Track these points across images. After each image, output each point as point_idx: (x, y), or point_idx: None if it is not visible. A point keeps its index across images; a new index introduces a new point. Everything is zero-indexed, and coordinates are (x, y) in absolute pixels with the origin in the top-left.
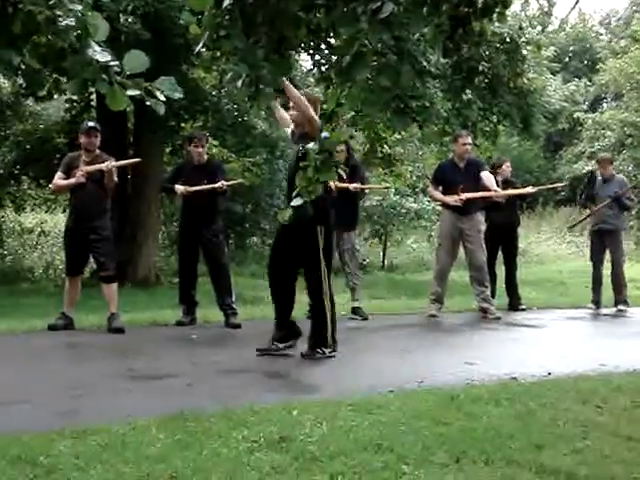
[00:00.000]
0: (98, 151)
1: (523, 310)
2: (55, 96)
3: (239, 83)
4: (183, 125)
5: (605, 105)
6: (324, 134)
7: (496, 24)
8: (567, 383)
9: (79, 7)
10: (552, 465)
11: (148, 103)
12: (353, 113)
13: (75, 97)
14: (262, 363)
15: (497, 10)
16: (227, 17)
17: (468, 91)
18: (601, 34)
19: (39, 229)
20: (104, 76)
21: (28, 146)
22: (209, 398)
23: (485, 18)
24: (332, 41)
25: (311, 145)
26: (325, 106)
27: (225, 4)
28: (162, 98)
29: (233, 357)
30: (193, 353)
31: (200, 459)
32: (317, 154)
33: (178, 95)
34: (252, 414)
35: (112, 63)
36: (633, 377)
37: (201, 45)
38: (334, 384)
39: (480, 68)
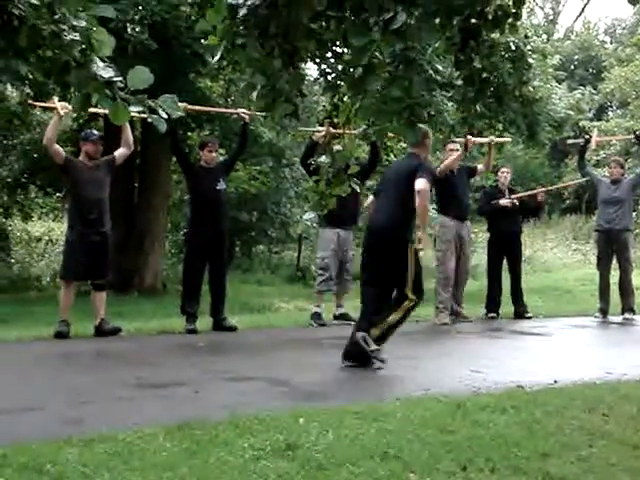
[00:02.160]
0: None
1: (529, 318)
2: None
3: (254, 94)
4: (190, 134)
5: (610, 113)
6: (336, 147)
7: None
8: (573, 391)
9: (83, 23)
10: (558, 473)
11: (150, 120)
12: (365, 126)
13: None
14: (268, 371)
15: (509, 22)
16: (242, 27)
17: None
18: (606, 42)
19: (46, 237)
20: (107, 91)
21: (35, 155)
22: (215, 406)
23: (496, 29)
24: (338, 50)
25: (323, 159)
26: (336, 119)
27: (240, 14)
28: (164, 115)
29: (239, 365)
30: (200, 361)
31: (207, 467)
32: (329, 168)
33: (179, 113)
34: (258, 422)
35: (115, 79)
36: (639, 385)
37: (218, 56)
38: (340, 392)
39: (486, 76)
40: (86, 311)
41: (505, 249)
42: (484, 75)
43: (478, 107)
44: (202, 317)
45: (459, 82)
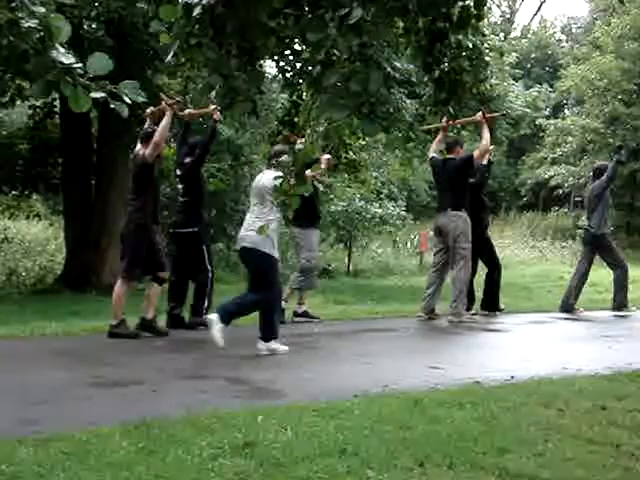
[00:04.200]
0: None
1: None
2: (18, 102)
3: (213, 94)
4: None
5: (567, 111)
6: (297, 146)
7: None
8: (530, 387)
9: (42, 10)
10: (515, 469)
11: (112, 106)
12: (326, 124)
13: (38, 103)
14: (226, 369)
15: (472, 23)
16: (197, 26)
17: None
18: (562, 41)
19: (2, 236)
20: (68, 78)
21: None
22: (173, 404)
23: (461, 31)
24: (297, 47)
25: (284, 158)
26: (297, 118)
27: (195, 13)
28: (127, 100)
29: (198, 363)
30: (158, 359)
31: (164, 466)
32: (292, 166)
33: (141, 99)
34: (216, 420)
35: (75, 65)
36: (595, 380)
37: (171, 55)
38: (299, 389)
39: (456, 78)
40: (42, 310)
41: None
42: (453, 77)
43: (450, 109)
44: (157, 315)
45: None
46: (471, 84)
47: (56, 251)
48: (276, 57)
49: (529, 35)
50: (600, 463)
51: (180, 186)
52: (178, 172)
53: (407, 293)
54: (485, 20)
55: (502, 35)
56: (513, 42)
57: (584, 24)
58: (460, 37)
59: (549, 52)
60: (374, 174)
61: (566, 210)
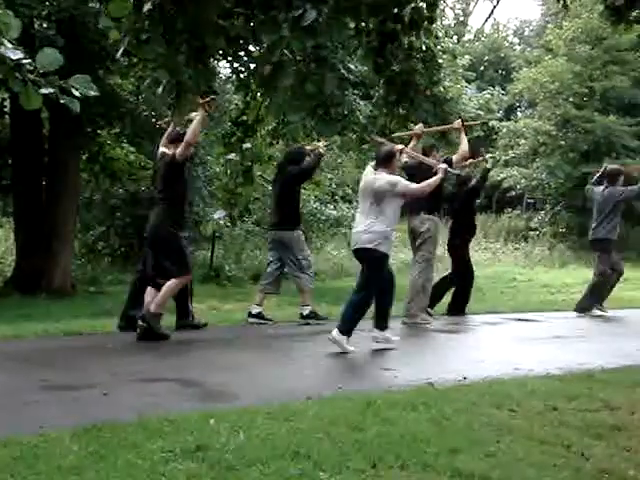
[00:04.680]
0: None
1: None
2: None
3: (159, 89)
4: (100, 132)
5: (519, 114)
6: (245, 145)
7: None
8: (482, 387)
9: None
10: (466, 469)
11: (62, 101)
12: (274, 124)
13: None
14: (179, 371)
15: (424, 26)
16: (147, 22)
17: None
18: (515, 44)
19: None
20: (17, 75)
21: None
22: (124, 408)
23: (413, 33)
24: (251, 49)
25: (232, 156)
26: (245, 117)
27: (145, 9)
28: (77, 95)
29: (150, 366)
30: (109, 363)
31: (114, 470)
32: (240, 165)
33: (93, 93)
34: (168, 423)
35: (25, 61)
36: (546, 381)
37: (121, 51)
38: (252, 392)
39: (407, 79)
40: None
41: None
42: (404, 78)
43: (400, 110)
44: (110, 317)
45: (380, 85)
46: (425, 86)
47: (6, 253)
48: (230, 58)
49: (482, 38)
50: (551, 463)
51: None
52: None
53: None
54: (439, 22)
55: (455, 38)
56: (467, 45)
57: (536, 27)
58: (412, 39)
59: (502, 55)
60: (329, 176)
61: (519, 212)
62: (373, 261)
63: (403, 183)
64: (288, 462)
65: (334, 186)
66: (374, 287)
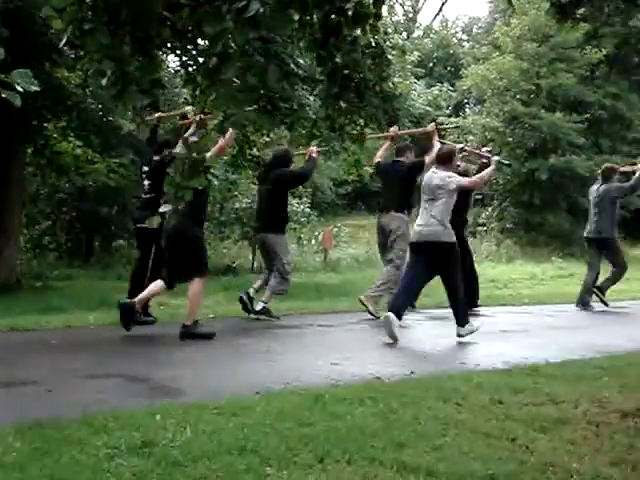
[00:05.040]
0: None
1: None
2: None
3: (104, 81)
4: (46, 125)
5: (468, 110)
6: (192, 138)
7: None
8: (429, 382)
9: None
10: (413, 463)
11: (4, 95)
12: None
13: None
14: (125, 367)
15: (370, 22)
16: (90, 12)
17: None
18: (464, 41)
19: None
20: None
21: None
22: (69, 404)
23: (357, 27)
24: (200, 42)
25: (179, 149)
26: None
27: None
28: (19, 89)
29: (95, 362)
30: (53, 359)
31: (58, 467)
32: (185, 159)
33: (34, 88)
34: (113, 420)
35: None
36: (492, 375)
37: (64, 41)
38: (199, 387)
39: (348, 73)
40: None
41: None
42: (346, 72)
43: (342, 103)
44: (55, 313)
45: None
46: (374, 82)
47: None
48: (178, 51)
49: (431, 35)
50: (496, 456)
51: (146, 182)
52: (145, 169)
53: (311, 290)
54: (388, 19)
55: (405, 34)
56: (416, 41)
57: (485, 24)
58: (358, 34)
59: (451, 52)
60: None
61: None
62: (444, 252)
63: (457, 179)
64: (235, 457)
65: None
66: (458, 272)
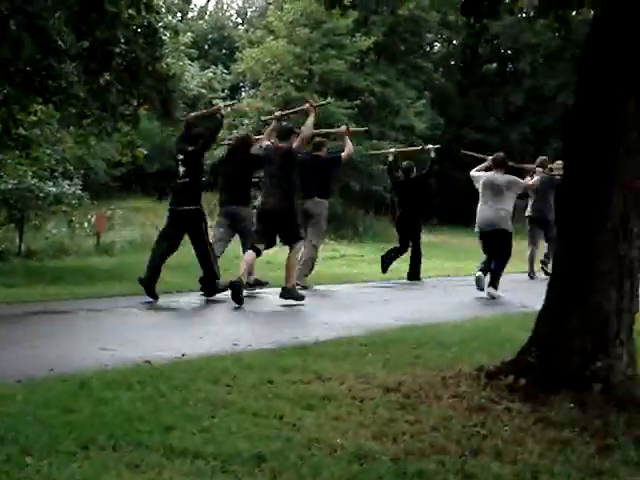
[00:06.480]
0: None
1: None
2: None
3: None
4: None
5: (243, 93)
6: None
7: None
8: (200, 364)
9: None
10: (180, 446)
11: None
12: None
13: None
14: None
15: (144, 2)
16: None
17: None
18: (239, 24)
19: None
20: None
21: None
22: None
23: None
24: None
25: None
26: None
27: None
28: None
29: None
30: None
31: None
32: None
33: None
34: None
35: None
36: (262, 354)
37: None
38: None
39: (118, 50)
40: None
41: None
42: (108, 47)
43: (104, 78)
44: None
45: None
46: (146, 62)
47: None
48: None
49: (206, 16)
50: (264, 435)
51: (182, 169)
52: (180, 157)
53: (82, 274)
54: None
55: (179, 15)
56: (190, 22)
57: (259, 8)
58: (114, 9)
59: (226, 34)
60: (48, 151)
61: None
62: (506, 236)
63: (517, 180)
64: None
65: (54, 162)
66: (507, 253)
